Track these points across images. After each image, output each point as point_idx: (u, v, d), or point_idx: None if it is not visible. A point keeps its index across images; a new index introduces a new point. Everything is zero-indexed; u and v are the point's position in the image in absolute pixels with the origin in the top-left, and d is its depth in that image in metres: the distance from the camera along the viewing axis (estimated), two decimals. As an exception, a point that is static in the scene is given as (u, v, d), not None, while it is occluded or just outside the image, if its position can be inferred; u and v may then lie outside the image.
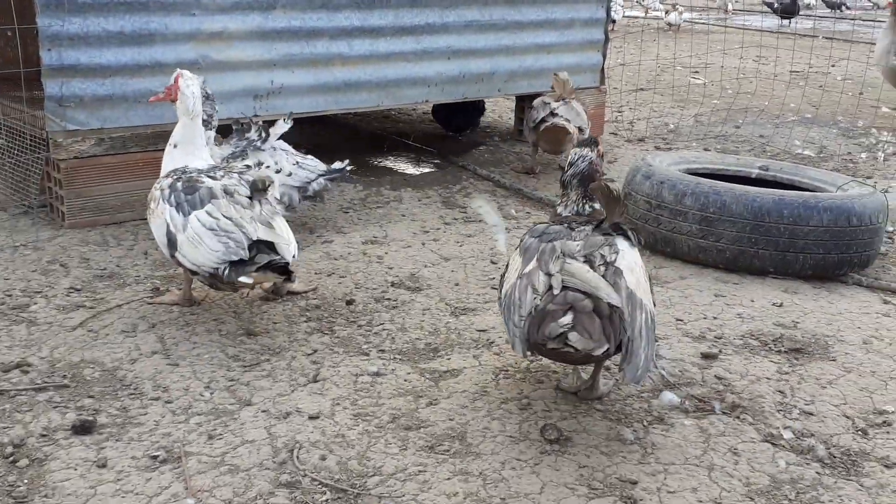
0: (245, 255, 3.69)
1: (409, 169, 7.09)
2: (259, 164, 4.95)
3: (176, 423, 3.24)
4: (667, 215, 4.97)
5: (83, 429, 3.15)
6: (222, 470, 2.96)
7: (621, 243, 3.25)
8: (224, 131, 5.18)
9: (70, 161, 5.13)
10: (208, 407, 3.37)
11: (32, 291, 4.35)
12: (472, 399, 3.47)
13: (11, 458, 2.98)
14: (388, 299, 4.43)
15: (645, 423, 3.32)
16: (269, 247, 3.77)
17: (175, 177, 4.04)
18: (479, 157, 7.37)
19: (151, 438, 3.14)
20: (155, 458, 3.01)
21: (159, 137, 5.50)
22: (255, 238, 3.74)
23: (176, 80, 4.24)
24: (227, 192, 3.88)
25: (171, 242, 3.88)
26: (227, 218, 3.78)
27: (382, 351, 3.88)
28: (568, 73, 7.18)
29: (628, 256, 3.21)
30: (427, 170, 7.06)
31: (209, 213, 3.81)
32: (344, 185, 6.41)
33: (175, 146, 4.22)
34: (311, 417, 3.30)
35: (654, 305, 3.26)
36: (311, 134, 7.66)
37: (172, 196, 3.93)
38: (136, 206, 5.44)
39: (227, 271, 3.70)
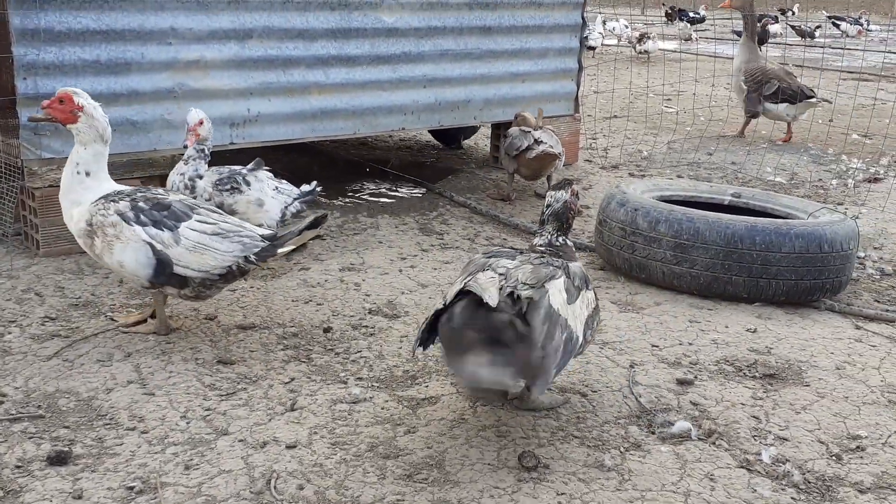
0: (263, 244, 4.12)
1: (387, 196, 7.11)
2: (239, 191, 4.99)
3: (152, 454, 3.22)
4: (641, 242, 5.02)
5: (58, 460, 3.12)
6: (199, 501, 2.94)
7: (565, 272, 3.34)
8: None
9: (45, 189, 5.11)
10: (185, 437, 3.35)
11: (6, 321, 4.31)
12: (450, 427, 3.47)
13: None
14: (366, 326, 4.44)
15: (622, 450, 3.34)
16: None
17: (127, 199, 4.01)
18: (455, 183, 7.41)
19: (127, 469, 3.12)
20: (131, 489, 2.99)
21: (135, 166, 5.51)
22: (259, 233, 4.16)
23: (70, 100, 4.01)
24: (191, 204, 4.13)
25: (161, 261, 3.92)
26: (224, 221, 4.10)
27: (360, 378, 3.88)
28: (542, 101, 7.25)
29: (564, 282, 3.26)
30: (404, 196, 7.09)
31: (203, 221, 4.05)
32: (321, 212, 6.41)
33: (88, 174, 4.04)
34: (289, 447, 3.29)
35: (588, 335, 3.41)
36: (287, 161, 7.68)
37: (142, 216, 3.95)
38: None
39: (250, 258, 4.08)
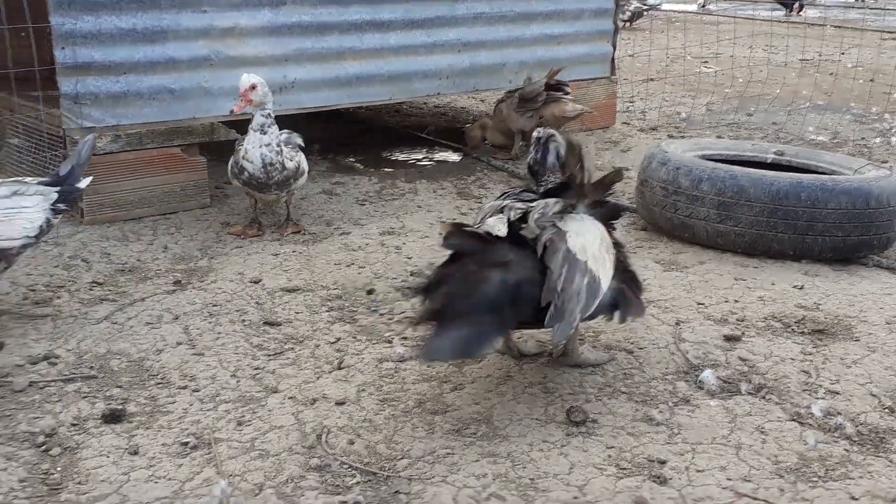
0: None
1: (423, 161, 7.10)
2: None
3: (204, 411, 3.26)
4: (684, 201, 4.97)
5: (113, 417, 3.17)
6: (252, 455, 2.98)
7: (583, 214, 3.33)
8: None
9: (97, 143, 5.14)
10: (235, 395, 3.39)
11: (56, 286, 4.38)
12: (497, 384, 3.48)
13: (44, 447, 3.00)
14: (409, 288, 4.45)
15: (670, 405, 3.32)
16: None
17: None
18: (491, 148, 7.37)
19: (181, 426, 3.16)
20: (185, 444, 3.03)
21: (175, 134, 5.53)
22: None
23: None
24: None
25: None
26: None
27: (405, 338, 3.89)
28: (578, 63, 7.21)
29: (580, 224, 3.24)
30: (441, 162, 7.07)
31: None
32: (359, 178, 6.44)
33: None
34: (338, 403, 3.31)
35: (614, 276, 3.33)
36: (324, 129, 7.70)
37: None
38: (154, 201, 5.48)
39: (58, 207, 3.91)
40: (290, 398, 3.36)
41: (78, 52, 5.05)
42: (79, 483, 2.82)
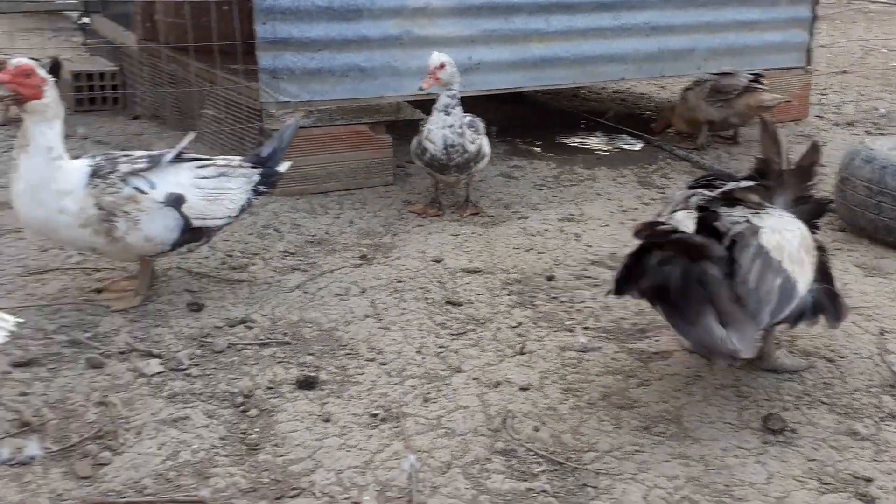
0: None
1: (602, 148, 6.98)
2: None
3: (392, 385, 3.32)
4: (890, 202, 4.65)
5: (307, 384, 3.28)
6: (439, 433, 3.01)
7: (782, 211, 3.16)
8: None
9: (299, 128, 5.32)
10: (421, 371, 3.43)
11: (251, 253, 4.57)
12: (685, 383, 3.37)
13: (242, 408, 3.14)
14: (589, 277, 4.38)
15: (876, 420, 3.12)
16: None
17: (126, 164, 3.75)
18: (674, 137, 7.15)
19: (370, 397, 3.23)
20: (375, 416, 3.10)
21: (363, 112, 5.65)
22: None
23: (35, 73, 3.56)
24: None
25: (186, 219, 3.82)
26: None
27: (587, 328, 3.83)
28: (771, 51, 6.88)
29: (777, 221, 3.06)
30: (621, 149, 6.93)
31: (203, 165, 3.98)
32: (537, 162, 6.39)
33: (60, 156, 3.61)
34: (522, 388, 3.30)
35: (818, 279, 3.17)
36: (502, 111, 7.68)
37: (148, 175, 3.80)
38: (341, 176, 5.63)
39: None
40: (473, 379, 3.37)
41: (277, 27, 5.23)
42: (275, 445, 2.93)
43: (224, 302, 3.98)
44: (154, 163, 3.79)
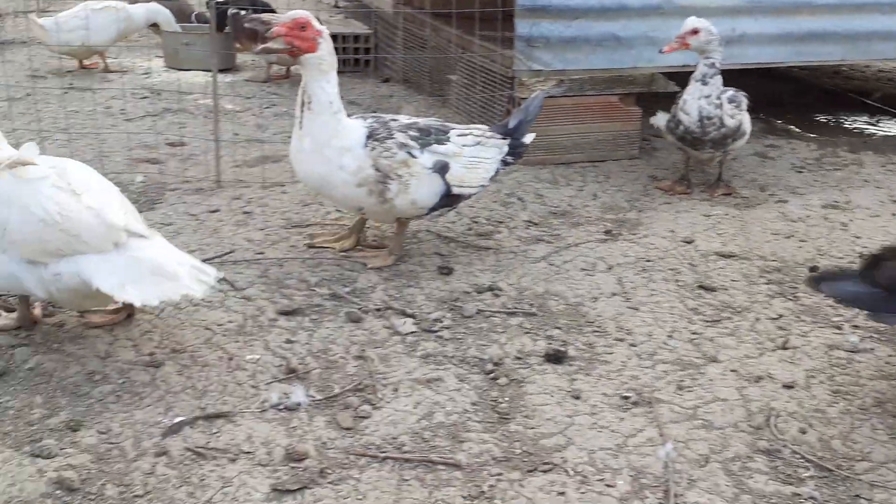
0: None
1: (869, 130, 6.44)
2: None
3: (642, 368, 3.22)
4: None
5: (555, 358, 3.24)
6: (695, 423, 2.88)
7: None
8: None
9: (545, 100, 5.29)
10: (673, 356, 3.30)
11: (496, 221, 4.59)
12: (973, 396, 3.04)
13: (492, 375, 3.15)
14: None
15: None
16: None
17: (401, 131, 3.86)
18: (952, 123, 6.51)
19: (620, 379, 3.15)
20: (626, 398, 3.01)
21: (615, 82, 5.51)
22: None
23: (310, 26, 3.60)
24: None
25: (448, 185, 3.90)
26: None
27: (856, 326, 3.54)
28: None
29: None
30: (890, 133, 6.37)
31: (462, 134, 4.01)
32: (794, 142, 6.01)
33: (340, 111, 3.73)
34: (786, 386, 3.10)
35: None
36: (755, 86, 7.25)
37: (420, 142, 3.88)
38: (586, 148, 5.54)
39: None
40: (731, 370, 3.21)
41: (537, -6, 5.18)
42: (525, 416, 2.92)
43: (472, 268, 4.02)
44: (430, 134, 3.87)
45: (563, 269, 4.04)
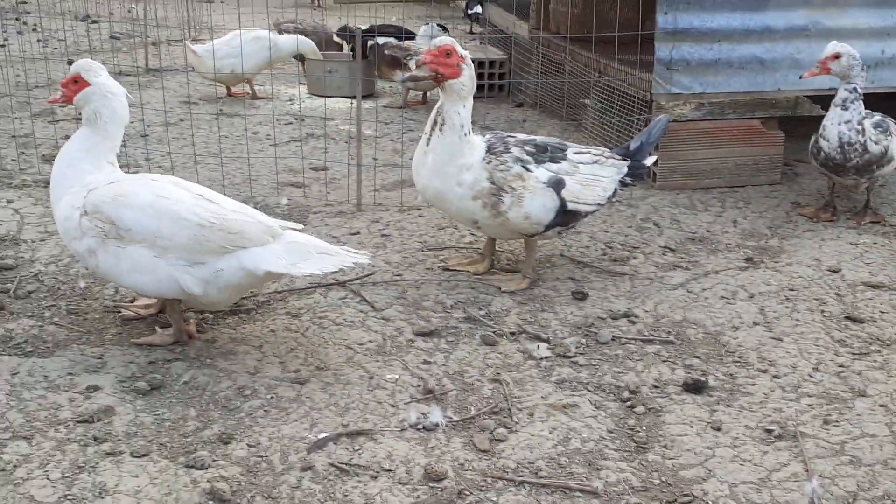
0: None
1: None
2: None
3: (786, 400, 3.13)
4: None
5: (695, 388, 3.19)
6: (842, 459, 2.78)
7: None
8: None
9: (669, 124, 5.24)
10: (818, 390, 3.20)
11: (630, 246, 4.55)
12: None
13: (629, 403, 3.13)
14: None
15: None
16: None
17: (517, 146, 3.95)
18: None
19: (762, 411, 3.07)
20: (769, 431, 2.94)
21: (756, 105, 5.40)
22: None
23: (454, 52, 3.75)
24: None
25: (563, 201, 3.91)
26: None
27: None
28: None
29: None
30: None
31: (579, 152, 4.07)
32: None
33: (468, 133, 3.85)
34: (942, 425, 2.95)
35: None
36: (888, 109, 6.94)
37: (537, 158, 3.96)
38: (724, 172, 5.44)
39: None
40: (880, 405, 3.08)
41: (679, 17, 5.13)
42: (664, 447, 2.88)
43: (606, 293, 4.00)
44: (546, 150, 3.93)
45: (702, 296, 3.97)
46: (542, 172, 3.87)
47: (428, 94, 7.63)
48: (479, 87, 7.71)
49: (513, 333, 3.61)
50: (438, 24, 9.15)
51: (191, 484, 2.65)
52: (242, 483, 2.67)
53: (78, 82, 3.45)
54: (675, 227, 4.82)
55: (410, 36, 8.28)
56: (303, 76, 8.16)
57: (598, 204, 4.02)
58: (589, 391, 3.21)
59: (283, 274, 3.32)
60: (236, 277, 3.28)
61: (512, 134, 4.07)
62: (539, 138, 4.08)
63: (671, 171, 5.39)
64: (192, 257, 3.24)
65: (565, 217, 3.94)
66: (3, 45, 8.61)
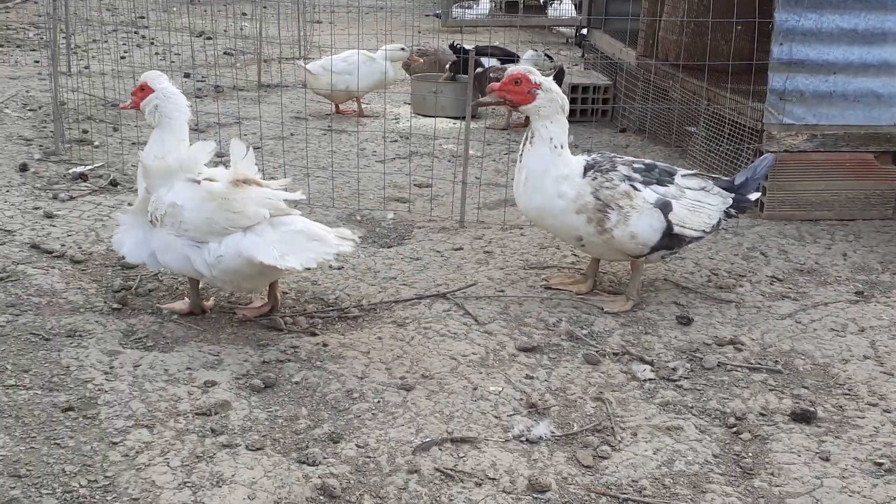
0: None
1: None
2: None
3: (897, 436, 3.07)
4: None
5: (803, 418, 3.15)
6: (959, 500, 2.71)
7: None
8: None
9: (780, 154, 5.19)
10: (933, 428, 3.12)
11: (737, 275, 4.51)
12: None
13: (734, 429, 3.11)
14: None
15: None
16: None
17: (624, 165, 3.97)
18: None
19: (872, 444, 3.01)
20: (879, 465, 2.89)
21: (871, 139, 5.30)
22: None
23: (526, 80, 3.91)
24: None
25: (669, 223, 3.91)
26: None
27: None
28: None
29: None
30: None
31: (686, 176, 4.07)
32: None
33: (561, 146, 3.92)
34: None
35: None
36: None
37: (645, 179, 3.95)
38: (835, 205, 5.34)
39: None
40: None
41: (794, 48, 5.09)
42: (770, 474, 2.85)
43: (712, 319, 3.98)
44: (654, 170, 3.97)
45: (811, 327, 3.91)
46: (650, 193, 3.89)
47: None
48: (583, 112, 7.79)
49: (616, 354, 3.62)
50: (545, 54, 9.23)
51: (303, 479, 2.75)
52: (351, 481, 2.76)
53: (144, 90, 3.98)
54: (782, 258, 4.75)
55: (512, 59, 8.38)
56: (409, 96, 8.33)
57: (704, 231, 4.00)
58: (694, 415, 3.20)
59: (273, 266, 3.44)
60: (235, 263, 3.50)
61: (619, 155, 4.11)
62: (647, 160, 4.10)
63: (780, 202, 5.32)
64: (201, 237, 3.52)
65: (671, 241, 3.94)
66: (123, 58, 9.03)
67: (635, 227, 3.85)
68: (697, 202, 3.98)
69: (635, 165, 3.96)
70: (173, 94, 3.96)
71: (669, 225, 3.89)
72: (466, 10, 12.36)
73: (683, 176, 4.04)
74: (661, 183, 3.94)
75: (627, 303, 4.07)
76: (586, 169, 3.92)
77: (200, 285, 3.86)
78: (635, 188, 3.88)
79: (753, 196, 4.17)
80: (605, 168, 3.91)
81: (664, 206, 3.88)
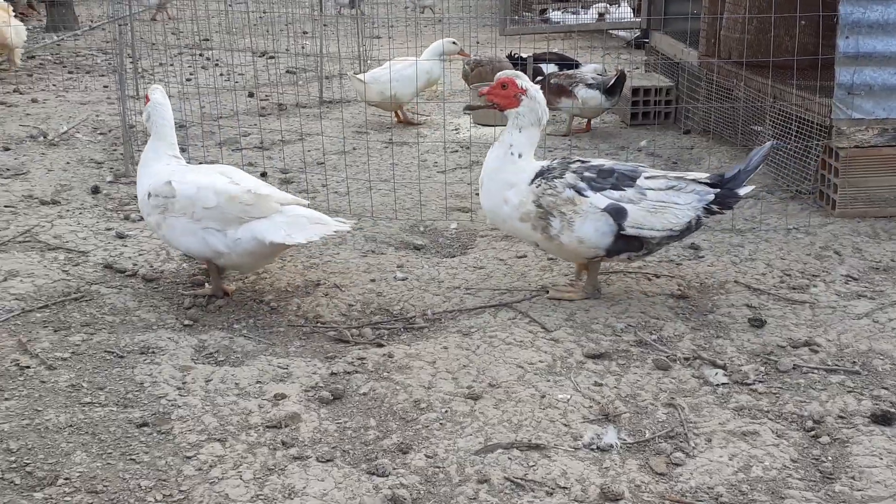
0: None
1: None
2: None
3: None
4: None
5: (884, 419, 3.05)
6: None
7: None
8: None
9: (850, 150, 5.05)
10: None
11: (810, 274, 4.39)
12: None
13: (812, 433, 3.02)
14: None
15: None
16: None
17: (571, 171, 3.96)
18: None
19: (960, 448, 2.90)
20: (969, 469, 2.77)
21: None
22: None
23: (513, 84, 4.02)
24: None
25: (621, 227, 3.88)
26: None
27: None
28: None
29: None
30: None
31: (652, 177, 3.98)
32: None
33: (520, 156, 4.01)
34: None
35: None
36: None
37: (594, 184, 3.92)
38: (911, 200, 5.16)
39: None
40: None
41: (861, 41, 4.95)
42: (852, 478, 2.77)
43: (785, 321, 3.88)
44: (610, 176, 3.93)
45: (889, 326, 3.79)
46: (599, 198, 3.88)
47: (591, 122, 7.64)
48: (645, 115, 7.69)
49: (687, 359, 3.56)
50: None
51: (373, 490, 2.76)
52: (421, 492, 2.75)
53: (147, 101, 4.38)
54: (857, 256, 4.61)
55: (570, 63, 8.32)
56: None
57: (671, 230, 3.91)
58: (770, 419, 3.12)
59: (283, 243, 3.84)
60: (250, 245, 3.89)
61: (583, 160, 4.08)
62: (610, 163, 4.06)
63: (852, 199, 5.17)
64: (219, 225, 3.89)
65: (628, 243, 3.92)
66: (189, 80, 9.23)
67: (580, 231, 3.88)
68: (660, 203, 3.90)
69: (586, 174, 3.93)
70: (160, 104, 4.32)
71: (620, 227, 3.85)
72: (571, 15, 12.54)
73: (648, 178, 3.96)
74: (616, 188, 3.90)
75: (577, 293, 4.12)
76: (536, 176, 3.97)
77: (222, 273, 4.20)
78: (582, 194, 3.88)
79: (744, 190, 4.01)
80: (554, 175, 3.95)
81: (616, 211, 3.86)
